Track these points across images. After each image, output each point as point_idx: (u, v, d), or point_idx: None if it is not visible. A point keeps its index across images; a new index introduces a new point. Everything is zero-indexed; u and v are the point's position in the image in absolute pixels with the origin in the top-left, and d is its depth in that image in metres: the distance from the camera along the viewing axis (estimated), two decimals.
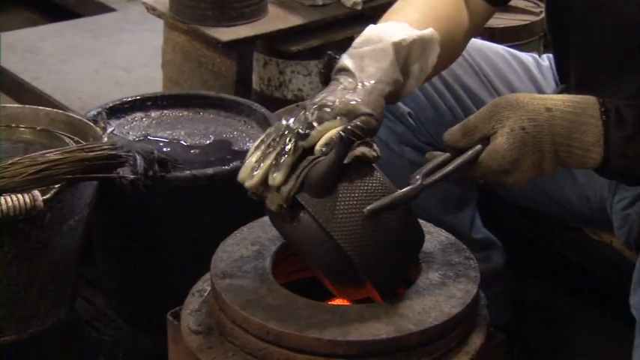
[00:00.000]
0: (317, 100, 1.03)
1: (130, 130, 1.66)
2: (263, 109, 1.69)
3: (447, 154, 1.04)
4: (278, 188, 0.98)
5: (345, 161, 0.98)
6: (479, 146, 1.02)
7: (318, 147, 1.00)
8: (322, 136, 1.00)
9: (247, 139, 1.67)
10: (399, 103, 1.46)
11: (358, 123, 1.00)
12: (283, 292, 1.02)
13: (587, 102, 1.03)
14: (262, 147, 1.00)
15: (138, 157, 1.43)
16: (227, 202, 1.48)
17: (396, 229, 0.98)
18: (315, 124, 1.00)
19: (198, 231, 1.49)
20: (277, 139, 1.00)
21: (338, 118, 1.00)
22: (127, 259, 1.57)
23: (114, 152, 1.39)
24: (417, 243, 1.03)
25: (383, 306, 1.00)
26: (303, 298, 1.01)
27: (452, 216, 1.50)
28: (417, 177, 0.99)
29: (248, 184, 0.99)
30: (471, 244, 1.13)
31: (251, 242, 1.11)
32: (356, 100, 1.02)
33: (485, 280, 1.26)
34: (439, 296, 1.01)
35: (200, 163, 1.56)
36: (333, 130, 1.00)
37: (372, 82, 1.04)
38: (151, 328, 1.55)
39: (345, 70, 1.06)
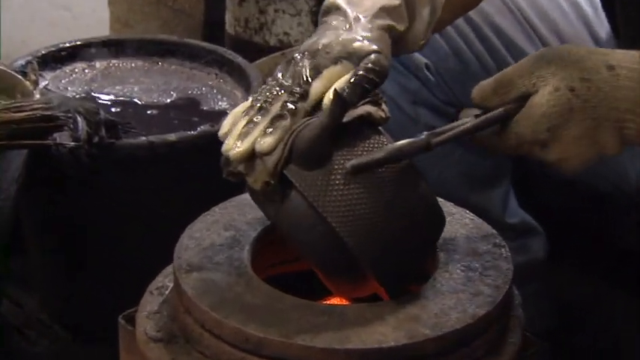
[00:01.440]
0: (306, 46, 1.03)
1: (68, 84, 1.67)
2: (239, 59, 1.70)
3: (469, 118, 1.05)
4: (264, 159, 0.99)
5: (345, 120, 0.99)
6: (510, 106, 1.03)
7: (325, 104, 0.99)
8: (324, 89, 1.00)
9: (219, 97, 1.68)
10: (415, 53, 1.47)
11: (369, 65, 0.99)
12: (265, 289, 1.04)
13: None
14: (251, 112, 1.00)
15: (79, 118, 1.44)
16: (194, 176, 1.50)
17: (408, 210, 1.00)
18: (310, 76, 1.00)
19: (157, 212, 1.51)
20: (270, 101, 1.00)
21: (339, 63, 1.00)
22: (66, 249, 1.58)
23: (48, 113, 1.40)
24: (435, 228, 1.05)
25: (390, 306, 1.01)
26: (291, 296, 1.02)
27: (479, 195, 1.52)
28: (424, 134, 1.01)
29: (232, 153, 0.99)
30: (503, 231, 1.15)
31: (224, 226, 1.13)
32: (355, 38, 1.02)
33: (521, 275, 1.28)
34: (462, 294, 1.03)
35: (159, 126, 1.58)
36: (340, 81, 1.00)
37: (370, 16, 1.04)
38: (97, 335, 1.57)
39: (334, 9, 1.06)
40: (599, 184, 1.49)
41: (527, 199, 1.66)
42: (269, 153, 0.98)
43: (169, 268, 1.12)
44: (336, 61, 1.00)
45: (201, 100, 1.67)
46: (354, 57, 1.00)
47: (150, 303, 1.10)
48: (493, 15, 1.44)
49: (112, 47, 1.74)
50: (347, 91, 0.98)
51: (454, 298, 1.03)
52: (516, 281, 1.08)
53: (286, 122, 0.98)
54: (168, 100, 1.67)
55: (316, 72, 1.00)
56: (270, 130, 0.98)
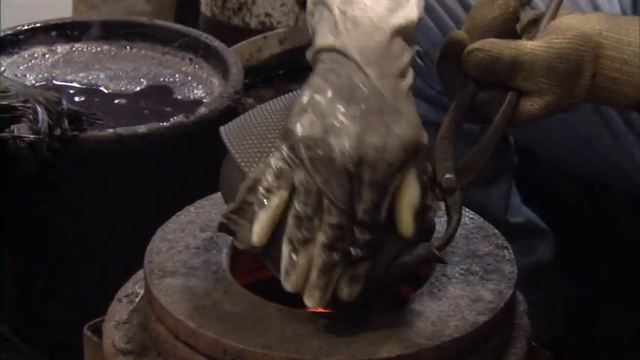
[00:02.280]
0: (347, 136, 0.92)
1: (27, 71, 1.68)
2: (216, 42, 1.71)
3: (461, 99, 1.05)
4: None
5: (424, 253, 1.00)
6: (511, 94, 1.03)
7: (407, 233, 0.96)
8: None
9: (194, 85, 1.68)
10: None
11: (427, 162, 0.97)
12: (246, 296, 1.04)
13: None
14: (307, 245, 0.94)
15: (39, 109, 1.44)
16: (166, 172, 1.50)
17: None
18: (375, 197, 0.93)
19: (125, 212, 1.51)
20: (333, 230, 0.93)
21: (402, 173, 0.94)
22: (25, 253, 1.59)
23: (4, 103, 1.41)
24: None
25: (383, 313, 1.02)
26: (273, 304, 1.03)
27: (478, 193, 1.53)
28: (449, 175, 1.02)
29: (310, 302, 0.97)
30: (506, 232, 1.15)
31: (200, 227, 1.13)
32: (405, 129, 0.94)
33: (526, 279, 1.30)
34: (461, 299, 1.04)
35: (128, 117, 1.58)
36: (406, 197, 0.95)
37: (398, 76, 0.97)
38: (59, 348, 1.57)
39: (337, 52, 0.96)
40: (611, 176, 1.50)
41: (534, 195, 1.67)
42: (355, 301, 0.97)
43: (140, 274, 1.12)
44: (398, 171, 0.94)
45: (174, 89, 1.68)
46: (413, 159, 0.95)
47: (118, 312, 1.10)
48: None
49: (76, 30, 1.74)
50: (420, 211, 0.96)
51: (452, 304, 1.03)
52: (521, 286, 1.09)
53: (367, 266, 0.95)
54: (138, 89, 1.67)
55: (380, 191, 0.93)
56: (353, 275, 0.95)
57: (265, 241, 0.96)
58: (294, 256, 0.95)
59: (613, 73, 1.01)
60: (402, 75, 0.97)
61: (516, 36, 1.04)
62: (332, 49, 0.96)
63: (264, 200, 0.95)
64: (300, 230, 0.94)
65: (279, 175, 0.94)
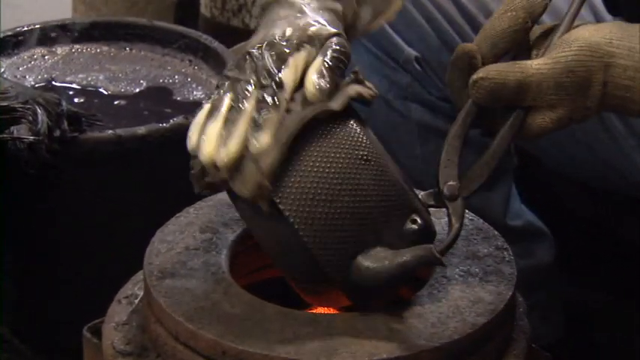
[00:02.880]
0: (257, 40, 1.03)
1: (26, 72, 1.68)
2: (215, 44, 1.71)
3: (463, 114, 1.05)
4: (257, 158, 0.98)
5: (336, 107, 1.00)
6: (517, 111, 1.03)
7: (311, 92, 0.99)
8: (295, 78, 1.00)
9: (193, 86, 1.69)
10: (403, 45, 1.49)
11: (336, 47, 1.01)
12: (245, 297, 1.04)
13: None
14: (218, 114, 1.00)
15: (39, 110, 1.44)
16: (166, 174, 1.50)
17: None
18: (275, 67, 1.00)
19: (125, 213, 1.51)
20: (239, 100, 1.00)
21: (302, 49, 1.01)
22: (24, 254, 1.59)
23: (4, 104, 1.41)
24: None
25: (383, 315, 1.02)
26: (273, 305, 1.03)
27: (478, 195, 1.52)
28: (452, 182, 1.02)
29: (221, 158, 0.99)
30: (505, 235, 1.16)
31: (200, 229, 1.13)
32: (310, 23, 1.03)
33: (526, 282, 1.30)
34: (460, 301, 1.04)
35: (127, 119, 1.58)
36: (312, 67, 1.01)
37: (317, 1, 1.06)
38: (59, 349, 1.57)
39: (275, 2, 1.07)
40: (611, 179, 1.50)
41: (534, 198, 1.67)
42: (267, 149, 0.98)
43: (139, 275, 1.13)
44: (298, 47, 1.01)
45: (173, 90, 1.68)
46: (315, 41, 1.02)
47: (118, 313, 1.10)
48: (489, 2, 1.45)
49: (75, 31, 1.74)
50: (325, 78, 0.99)
51: (452, 305, 1.04)
52: (521, 288, 1.09)
53: (273, 115, 0.98)
54: (138, 90, 1.67)
55: (281, 61, 1.01)
56: (256, 122, 0.99)
57: (194, 141, 1.01)
58: (205, 130, 1.00)
59: (625, 81, 1.01)
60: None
61: (527, 47, 1.04)
62: (269, 3, 1.07)
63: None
64: (211, 115, 1.01)
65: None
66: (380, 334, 1.00)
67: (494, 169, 1.04)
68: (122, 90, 1.67)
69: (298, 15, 1.04)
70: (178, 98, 1.66)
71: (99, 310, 1.12)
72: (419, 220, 1.02)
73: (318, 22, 1.03)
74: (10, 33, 1.69)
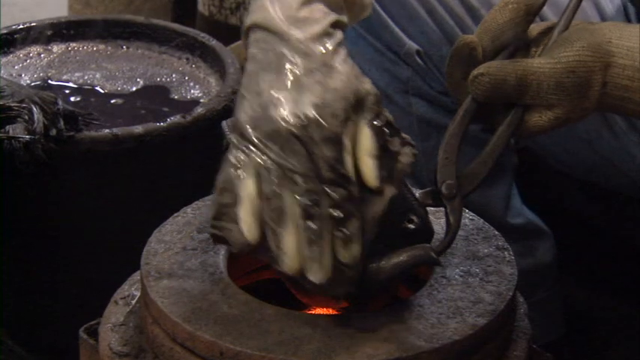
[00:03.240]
0: (286, 105, 0.93)
1: (22, 71, 1.68)
2: (213, 42, 1.71)
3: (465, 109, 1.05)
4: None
5: (396, 192, 0.98)
6: (516, 109, 1.03)
7: (371, 181, 0.95)
8: (353, 160, 0.94)
9: (191, 85, 1.68)
10: (405, 38, 1.49)
11: (376, 108, 0.95)
12: (243, 298, 1.04)
13: None
14: (289, 218, 0.93)
15: (35, 109, 1.44)
16: (163, 173, 1.50)
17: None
18: (335, 156, 0.92)
19: (122, 214, 1.51)
20: (309, 202, 0.92)
21: (349, 122, 0.94)
22: (20, 255, 1.59)
23: (0, 103, 1.40)
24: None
25: (382, 315, 1.02)
26: (271, 306, 1.03)
27: (478, 194, 1.52)
28: (450, 181, 1.02)
29: (318, 278, 0.94)
30: (505, 232, 1.16)
31: (197, 229, 1.13)
32: (340, 78, 0.95)
33: (527, 281, 1.30)
34: (460, 301, 1.04)
35: (124, 118, 1.58)
36: (364, 145, 0.94)
37: (322, 33, 0.96)
38: (55, 350, 1.57)
39: (261, 29, 0.97)
40: (612, 177, 1.50)
41: (535, 196, 1.67)
42: (361, 260, 0.95)
43: (136, 275, 1.12)
44: (346, 122, 0.94)
45: (170, 88, 1.68)
46: (358, 107, 0.95)
47: (115, 314, 1.10)
48: None
49: (71, 29, 1.74)
50: (382, 168, 0.95)
51: (452, 306, 1.03)
52: (521, 288, 1.09)
53: (356, 222, 0.94)
54: (134, 89, 1.67)
55: (336, 145, 0.92)
56: (343, 236, 0.93)
57: (257, 235, 0.95)
58: (279, 238, 0.94)
59: (624, 81, 1.00)
60: (327, 34, 0.97)
61: (527, 42, 1.04)
62: (256, 26, 0.97)
63: (237, 195, 0.95)
64: (273, 210, 0.93)
65: (238, 165, 0.94)
66: (379, 334, 1.00)
67: (493, 167, 1.04)
68: (119, 89, 1.66)
69: (321, 67, 0.95)
70: (176, 97, 1.66)
71: (96, 311, 1.12)
72: (415, 220, 1.01)
73: (347, 78, 0.95)
74: (5, 31, 1.69)
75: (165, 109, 1.62)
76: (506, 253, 1.11)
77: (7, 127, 1.42)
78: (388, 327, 1.01)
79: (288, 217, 0.93)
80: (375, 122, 0.96)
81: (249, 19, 0.98)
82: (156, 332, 1.04)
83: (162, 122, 1.52)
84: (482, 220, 1.15)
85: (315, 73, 0.94)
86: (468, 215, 1.16)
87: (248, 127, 0.93)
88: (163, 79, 1.69)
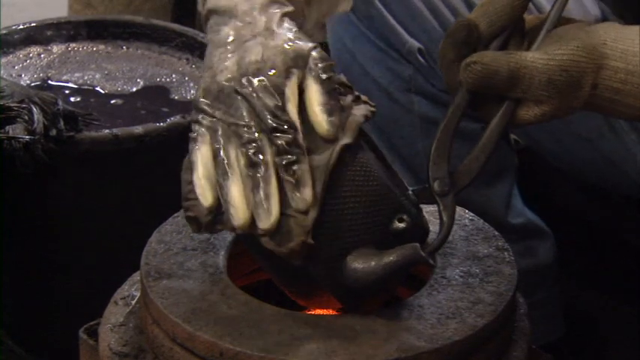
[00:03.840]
0: (233, 71, 0.97)
1: (22, 71, 1.68)
2: None
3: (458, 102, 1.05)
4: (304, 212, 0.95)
5: (351, 141, 0.97)
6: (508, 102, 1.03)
7: (325, 130, 0.96)
8: (297, 111, 0.97)
9: (191, 85, 1.69)
10: (406, 36, 1.49)
11: (321, 64, 0.98)
12: (243, 298, 1.04)
13: None
14: (234, 169, 0.95)
15: (34, 109, 1.44)
16: (163, 173, 1.50)
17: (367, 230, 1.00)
18: (276, 104, 0.95)
19: (122, 214, 1.51)
20: (253, 152, 0.95)
21: (292, 75, 0.97)
22: (20, 255, 1.59)
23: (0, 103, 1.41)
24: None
25: (381, 316, 1.02)
26: (271, 306, 1.03)
27: (479, 193, 1.53)
28: (444, 178, 1.01)
29: (266, 226, 0.95)
30: (506, 232, 1.16)
31: None
32: (283, 39, 0.99)
33: (527, 282, 1.30)
34: (460, 302, 1.04)
35: (124, 118, 1.58)
36: (312, 97, 0.97)
37: (265, 6, 1.01)
38: (55, 351, 1.57)
39: (219, 15, 1.02)
40: (612, 176, 1.50)
41: (535, 197, 1.67)
42: (314, 205, 0.95)
43: (136, 276, 1.12)
44: (287, 74, 0.98)
45: (171, 89, 1.68)
46: (299, 61, 0.98)
47: (114, 314, 1.10)
48: None
49: (71, 29, 1.74)
50: (333, 113, 0.97)
51: (452, 306, 1.03)
52: (521, 288, 1.09)
53: (305, 166, 0.95)
54: (134, 89, 1.67)
55: (278, 95, 0.96)
56: (292, 178, 0.94)
57: (211, 197, 0.97)
58: (226, 191, 0.95)
59: (616, 84, 1.00)
60: (272, 3, 1.01)
61: (522, 31, 1.04)
62: (210, 12, 1.03)
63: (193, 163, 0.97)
64: (220, 166, 0.96)
65: (194, 137, 0.97)
66: (379, 335, 1.00)
67: (486, 162, 1.03)
68: (119, 89, 1.66)
69: (257, 31, 1.00)
70: (175, 97, 1.66)
71: (95, 312, 1.12)
72: (406, 218, 1.01)
73: (290, 37, 1.00)
74: (5, 31, 1.69)
75: (165, 109, 1.62)
76: (506, 253, 1.11)
77: (7, 127, 1.42)
78: (388, 327, 1.01)
79: (233, 169, 0.95)
80: (321, 76, 0.98)
81: (205, 9, 1.03)
82: (156, 332, 1.04)
83: (162, 122, 1.52)
84: (482, 220, 1.15)
85: (257, 38, 0.99)
86: (467, 215, 1.16)
87: (200, 97, 0.98)
88: (163, 80, 1.69)
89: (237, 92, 0.96)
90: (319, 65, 0.98)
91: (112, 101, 1.64)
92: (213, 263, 1.08)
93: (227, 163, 0.96)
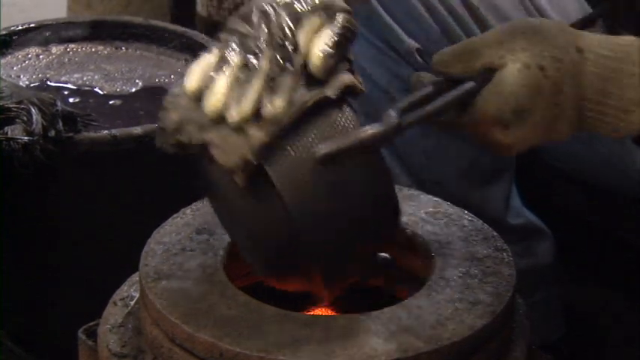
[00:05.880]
0: None
1: (21, 72, 1.68)
2: (212, 43, 1.71)
3: (431, 87, 1.06)
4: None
5: (333, 95, 0.99)
6: (477, 79, 1.03)
7: (316, 64, 0.99)
8: (308, 42, 0.99)
9: None
10: (405, 36, 1.49)
11: (346, 23, 1.01)
12: (242, 299, 1.04)
13: (630, 45, 1.04)
14: (227, 67, 0.99)
15: (33, 110, 1.44)
16: (162, 174, 1.50)
17: (360, 188, 1.00)
18: (291, 26, 0.99)
19: (121, 215, 1.51)
20: (253, 58, 0.98)
21: (317, 14, 1.00)
22: (19, 256, 1.59)
23: None
24: (390, 227, 1.06)
25: (381, 316, 1.02)
26: (270, 307, 1.03)
27: (478, 193, 1.53)
28: (393, 113, 1.02)
29: (233, 116, 0.97)
30: (505, 233, 1.16)
31: (196, 230, 1.13)
32: None
33: (526, 282, 1.30)
34: (459, 302, 1.04)
35: (123, 119, 1.58)
36: (322, 36, 1.00)
37: None
38: (54, 351, 1.57)
39: None
40: (611, 177, 1.50)
41: (534, 197, 1.67)
42: (279, 117, 0.97)
43: (135, 277, 1.13)
44: (314, 11, 1.00)
45: (169, 90, 1.68)
46: (329, 10, 1.01)
47: (113, 315, 1.10)
48: None
49: (70, 30, 1.74)
50: (331, 55, 0.99)
51: (451, 307, 1.04)
52: (520, 289, 1.09)
53: (289, 80, 0.98)
54: (133, 90, 1.67)
55: (296, 22, 1.00)
56: (272, 85, 0.97)
57: (195, 82, 0.99)
58: (214, 82, 0.98)
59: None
60: None
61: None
62: None
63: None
64: (218, 64, 0.99)
65: (209, 48, 1.02)
66: (378, 335, 1.00)
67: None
68: (118, 90, 1.67)
69: None
70: None
71: (94, 312, 1.12)
72: None
73: None
74: (4, 32, 1.69)
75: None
76: (504, 254, 1.11)
77: (6, 128, 1.42)
78: (387, 328, 1.01)
79: (227, 67, 0.98)
80: (339, 32, 1.00)
81: None
82: (155, 333, 1.04)
83: None
84: (480, 220, 1.16)
85: None
86: (466, 216, 1.16)
87: (230, 20, 1.02)
88: (162, 80, 1.69)
89: (261, 11, 0.99)
90: (343, 24, 1.00)
91: (111, 102, 1.64)
92: (213, 264, 1.08)
93: (225, 63, 0.98)
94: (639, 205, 1.64)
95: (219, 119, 0.97)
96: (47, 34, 1.73)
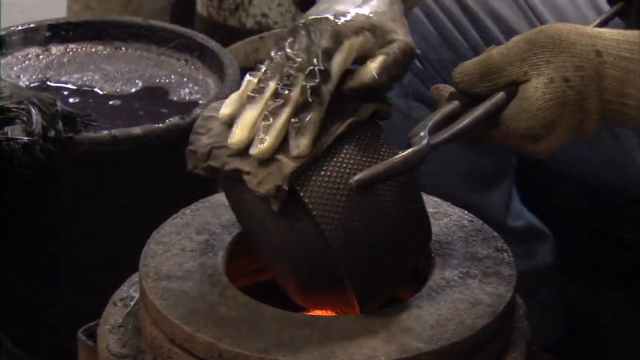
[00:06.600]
0: (317, 12, 1.00)
1: (21, 72, 1.68)
2: (212, 43, 1.71)
3: (455, 102, 1.06)
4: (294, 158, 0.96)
5: (361, 118, 0.99)
6: (502, 94, 1.04)
7: (351, 86, 0.99)
8: (345, 65, 0.98)
9: (190, 86, 1.69)
10: None
11: (401, 46, 0.99)
12: (242, 299, 1.04)
13: None
14: (261, 97, 0.98)
15: (33, 110, 1.44)
16: (162, 175, 1.51)
17: (402, 225, 1.01)
18: (329, 47, 0.97)
19: (120, 215, 1.51)
20: (286, 84, 0.97)
21: (361, 34, 0.98)
22: (19, 257, 1.59)
23: None
24: (423, 243, 1.06)
25: (381, 317, 1.02)
26: (270, 307, 1.03)
27: (478, 196, 1.53)
28: (421, 133, 1.01)
29: (257, 151, 0.96)
30: (505, 234, 1.16)
31: (196, 230, 1.13)
32: (377, 12, 1.01)
33: (526, 283, 1.30)
34: (459, 303, 1.04)
35: (123, 119, 1.58)
36: (371, 64, 0.99)
37: None
38: (53, 352, 1.57)
39: None
40: (611, 178, 1.50)
41: (535, 198, 1.67)
42: (305, 155, 0.97)
43: (135, 277, 1.13)
44: (357, 31, 0.99)
45: (169, 90, 1.68)
46: (377, 31, 1.00)
47: (113, 315, 1.10)
48: (491, 0, 1.45)
49: (70, 30, 1.74)
50: (378, 73, 0.99)
51: (451, 307, 1.04)
52: (521, 290, 1.09)
53: (315, 116, 0.97)
54: (133, 90, 1.67)
55: (336, 42, 0.98)
56: (298, 124, 0.96)
57: (229, 110, 0.99)
58: (243, 113, 0.98)
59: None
60: None
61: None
62: None
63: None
64: (254, 92, 0.98)
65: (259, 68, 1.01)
66: (378, 336, 1.00)
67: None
68: (117, 90, 1.67)
69: (360, 1, 1.02)
70: (174, 98, 1.66)
71: (94, 313, 1.12)
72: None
73: (385, 15, 1.01)
74: (4, 32, 1.69)
75: (164, 110, 1.62)
76: (505, 254, 1.11)
77: (6, 128, 1.42)
78: (387, 328, 1.01)
79: (261, 96, 0.98)
80: (387, 62, 0.99)
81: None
82: (154, 334, 1.04)
83: (161, 123, 1.52)
84: (481, 221, 1.16)
85: (354, 2, 1.01)
86: (466, 217, 1.16)
87: (282, 33, 1.00)
88: (162, 81, 1.69)
89: (304, 26, 0.98)
90: (396, 55, 1.00)
91: (111, 102, 1.64)
92: (212, 264, 1.08)
93: (259, 92, 0.98)
94: (639, 206, 1.64)
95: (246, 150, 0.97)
96: (47, 34, 1.73)
